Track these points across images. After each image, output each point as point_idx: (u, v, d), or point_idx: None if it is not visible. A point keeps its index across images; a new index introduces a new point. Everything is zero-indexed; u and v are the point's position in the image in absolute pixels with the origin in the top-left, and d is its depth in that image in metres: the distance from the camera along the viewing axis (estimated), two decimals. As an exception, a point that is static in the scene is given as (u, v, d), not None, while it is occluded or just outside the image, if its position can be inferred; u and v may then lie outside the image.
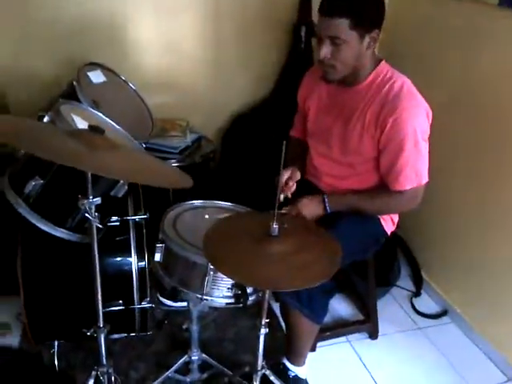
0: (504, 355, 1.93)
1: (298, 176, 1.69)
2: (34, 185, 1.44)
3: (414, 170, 1.56)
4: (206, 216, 1.60)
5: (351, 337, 2.07)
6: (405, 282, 2.38)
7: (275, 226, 1.24)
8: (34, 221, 1.45)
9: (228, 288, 1.41)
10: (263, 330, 1.40)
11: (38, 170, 1.46)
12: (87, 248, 1.46)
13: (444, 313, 2.21)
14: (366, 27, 1.46)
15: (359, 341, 2.06)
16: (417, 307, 2.24)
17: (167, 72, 2.44)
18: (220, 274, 1.38)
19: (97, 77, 2.00)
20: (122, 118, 1.83)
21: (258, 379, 1.48)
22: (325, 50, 1.48)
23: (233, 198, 1.70)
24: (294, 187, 1.65)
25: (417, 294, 2.33)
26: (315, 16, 2.33)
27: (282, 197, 1.57)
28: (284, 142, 1.21)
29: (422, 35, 2.22)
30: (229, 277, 1.32)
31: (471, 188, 2.03)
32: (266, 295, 1.37)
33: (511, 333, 1.90)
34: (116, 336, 1.83)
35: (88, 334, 1.37)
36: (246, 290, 1.39)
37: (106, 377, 1.41)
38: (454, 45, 2.04)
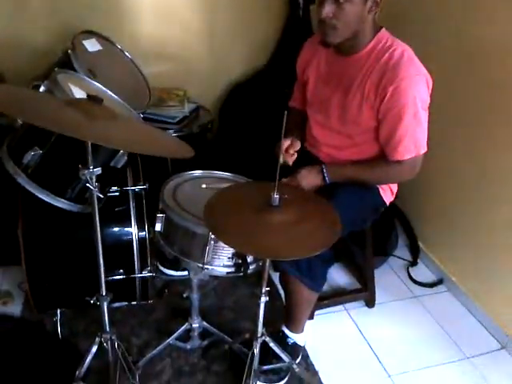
0: (499, 323, 1.97)
1: (298, 145, 1.67)
2: (32, 155, 1.43)
3: (413, 140, 1.56)
4: (205, 186, 1.60)
5: (348, 305, 2.10)
6: (402, 251, 2.41)
7: (276, 196, 1.24)
8: (33, 191, 1.45)
9: (228, 257, 1.43)
10: (263, 299, 1.42)
11: (37, 140, 1.45)
12: (88, 218, 1.47)
13: (440, 282, 2.25)
14: None
15: (356, 309, 2.09)
16: (413, 276, 2.28)
17: (163, 41, 2.40)
18: (221, 244, 1.40)
19: (92, 45, 1.96)
20: (119, 87, 1.81)
21: (258, 346, 1.51)
22: (327, 9, 1.45)
23: (231, 168, 1.70)
24: (295, 155, 1.64)
25: (413, 263, 2.36)
26: (314, -18, 2.30)
27: (281, 160, 1.54)
28: (285, 112, 1.21)
29: (425, 7, 2.17)
30: (230, 246, 1.33)
31: (470, 158, 2.03)
32: (267, 264, 1.38)
33: (506, 301, 1.94)
34: (117, 304, 1.85)
35: (91, 302, 1.39)
36: (246, 259, 1.41)
37: (109, 343, 1.43)
38: (460, 7, 1.99)
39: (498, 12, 1.80)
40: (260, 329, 1.50)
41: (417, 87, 1.51)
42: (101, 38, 2.01)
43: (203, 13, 2.40)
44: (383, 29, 1.58)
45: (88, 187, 1.23)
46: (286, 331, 1.76)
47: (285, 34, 2.48)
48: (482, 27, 1.88)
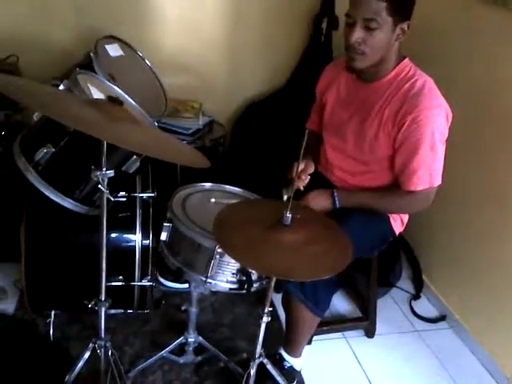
0: (499, 365, 1.92)
1: (312, 169, 1.67)
2: (45, 152, 1.41)
3: (429, 172, 1.54)
4: (215, 200, 1.58)
5: (348, 333, 2.06)
6: (405, 283, 2.37)
7: (288, 215, 1.22)
8: (42, 189, 1.44)
9: (233, 273, 1.40)
10: (265, 318, 1.39)
11: (51, 137, 1.44)
12: (92, 220, 1.45)
13: (442, 318, 2.20)
14: (400, 16, 1.45)
15: (355, 338, 2.05)
16: (415, 310, 2.23)
17: (185, 53, 2.42)
18: (226, 258, 1.37)
19: (114, 50, 1.98)
20: (137, 94, 1.80)
21: (255, 367, 1.47)
22: (357, 34, 1.45)
23: (239, 184, 1.68)
24: (307, 180, 1.63)
25: (416, 296, 2.31)
26: (338, 9, 2.33)
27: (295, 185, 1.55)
28: (306, 131, 1.20)
29: (448, 39, 2.18)
30: (237, 261, 1.31)
31: (482, 194, 2.01)
32: (272, 283, 1.35)
33: (509, 343, 1.89)
34: (113, 311, 1.82)
35: (89, 306, 1.36)
36: (250, 276, 1.39)
37: (103, 350, 1.39)
38: (480, 50, 1.99)
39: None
40: (259, 349, 1.46)
41: (436, 119, 1.50)
42: (123, 44, 2.03)
43: (227, 29, 2.42)
44: (407, 58, 1.58)
45: (99, 189, 1.22)
46: (284, 354, 1.72)
47: (305, 57, 2.49)
48: (504, 70, 1.88)
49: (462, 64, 2.09)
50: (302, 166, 1.61)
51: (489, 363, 1.97)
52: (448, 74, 2.05)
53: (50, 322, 1.73)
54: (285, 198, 1.58)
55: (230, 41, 2.46)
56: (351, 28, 1.46)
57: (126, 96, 1.68)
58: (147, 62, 2.09)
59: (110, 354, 1.41)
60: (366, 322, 2.07)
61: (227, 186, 1.67)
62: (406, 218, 1.78)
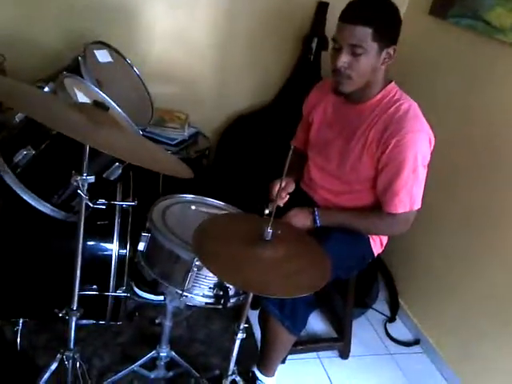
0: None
1: (292, 187, 1.67)
2: (24, 154, 1.38)
3: (409, 195, 1.55)
4: (196, 211, 1.56)
5: (322, 354, 2.04)
6: (381, 305, 2.37)
7: (269, 230, 1.21)
8: (18, 191, 1.40)
9: (210, 287, 1.38)
10: (240, 335, 1.36)
11: (32, 139, 1.41)
12: (69, 227, 1.42)
13: (416, 342, 2.21)
14: (385, 41, 1.47)
15: (329, 359, 2.03)
16: (390, 332, 2.24)
17: (173, 63, 2.41)
18: (203, 272, 1.35)
19: (103, 56, 1.96)
20: (123, 101, 1.78)
21: (227, 384, 1.44)
22: (343, 59, 1.47)
23: (221, 197, 1.67)
24: (286, 198, 1.63)
25: (391, 319, 2.32)
26: (328, 29, 2.36)
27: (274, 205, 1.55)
28: (291, 149, 1.19)
29: (435, 68, 2.23)
30: (215, 274, 1.28)
31: (461, 220, 2.04)
32: (249, 299, 1.33)
33: (482, 372, 1.89)
34: (84, 322, 1.76)
35: (60, 315, 1.31)
36: (228, 291, 1.36)
37: (70, 362, 1.35)
38: (466, 80, 2.04)
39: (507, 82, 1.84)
40: (232, 366, 1.43)
41: (419, 143, 1.52)
42: (113, 50, 2.01)
43: (217, 43, 2.42)
44: (393, 82, 1.60)
45: (78, 194, 1.19)
46: (257, 373, 1.69)
47: (294, 75, 2.51)
48: (495, 95, 1.91)
49: (449, 97, 2.14)
50: (283, 184, 1.61)
51: (461, 389, 1.97)
52: (434, 106, 2.10)
53: (17, 330, 1.67)
54: (266, 212, 1.56)
55: (219, 54, 2.47)
56: (337, 53, 1.48)
57: (112, 102, 1.66)
58: (135, 69, 2.08)
59: (78, 366, 1.36)
60: (340, 343, 2.06)
61: (209, 199, 1.66)
62: (385, 239, 1.78)
